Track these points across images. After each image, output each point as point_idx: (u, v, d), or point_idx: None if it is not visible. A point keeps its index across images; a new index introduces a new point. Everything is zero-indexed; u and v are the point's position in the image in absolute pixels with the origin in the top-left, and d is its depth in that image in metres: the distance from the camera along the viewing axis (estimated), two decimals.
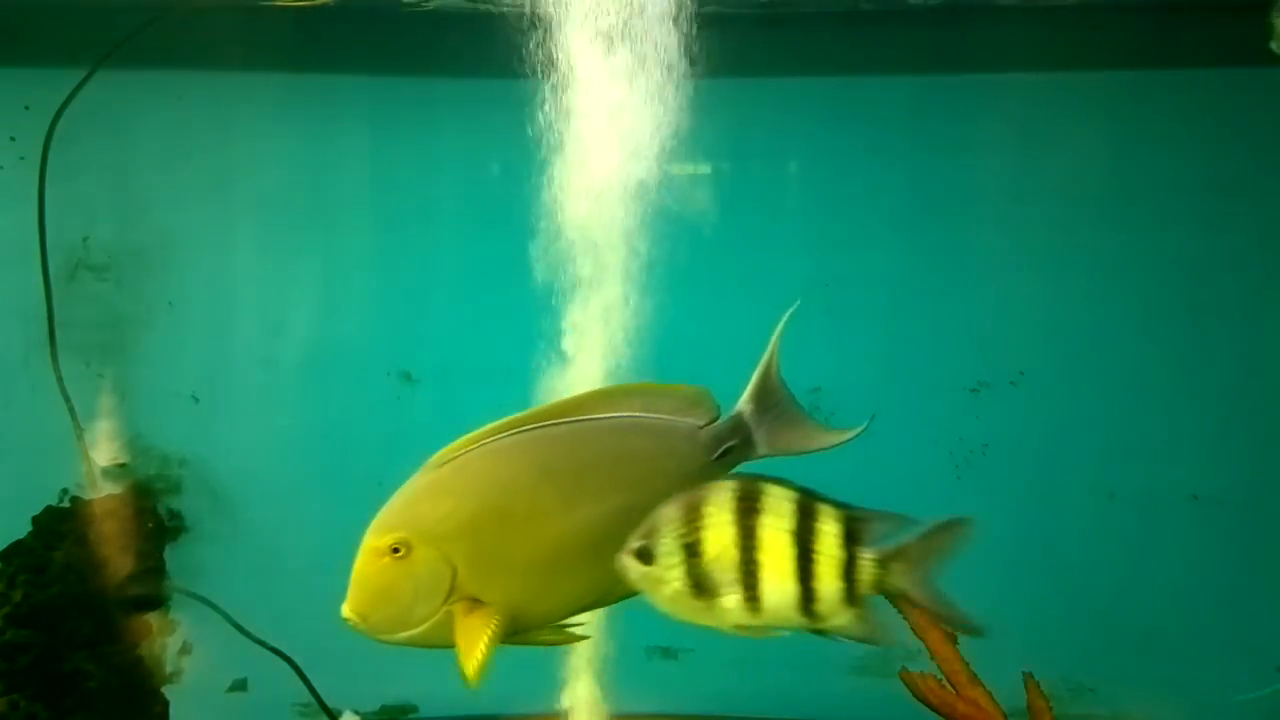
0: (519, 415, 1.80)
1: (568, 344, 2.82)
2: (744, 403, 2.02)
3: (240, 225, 3.47)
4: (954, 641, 1.93)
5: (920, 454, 3.56)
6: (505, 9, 2.52)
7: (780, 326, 2.08)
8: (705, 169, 3.58)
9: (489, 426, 1.80)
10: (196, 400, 3.47)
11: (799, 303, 2.08)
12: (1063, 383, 3.50)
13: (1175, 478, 3.46)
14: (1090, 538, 3.53)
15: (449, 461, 1.79)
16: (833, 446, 2.05)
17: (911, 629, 2.18)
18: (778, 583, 1.67)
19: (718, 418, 1.98)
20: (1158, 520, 3.49)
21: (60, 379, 3.17)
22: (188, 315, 3.45)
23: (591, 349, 2.79)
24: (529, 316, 2.75)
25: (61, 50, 3.19)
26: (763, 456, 1.99)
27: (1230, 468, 3.44)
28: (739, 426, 1.99)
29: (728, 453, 1.95)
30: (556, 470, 1.79)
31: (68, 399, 3.16)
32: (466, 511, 1.74)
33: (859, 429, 2.08)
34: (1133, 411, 3.48)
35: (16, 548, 2.83)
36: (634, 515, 1.67)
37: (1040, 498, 3.50)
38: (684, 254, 3.21)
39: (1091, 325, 3.49)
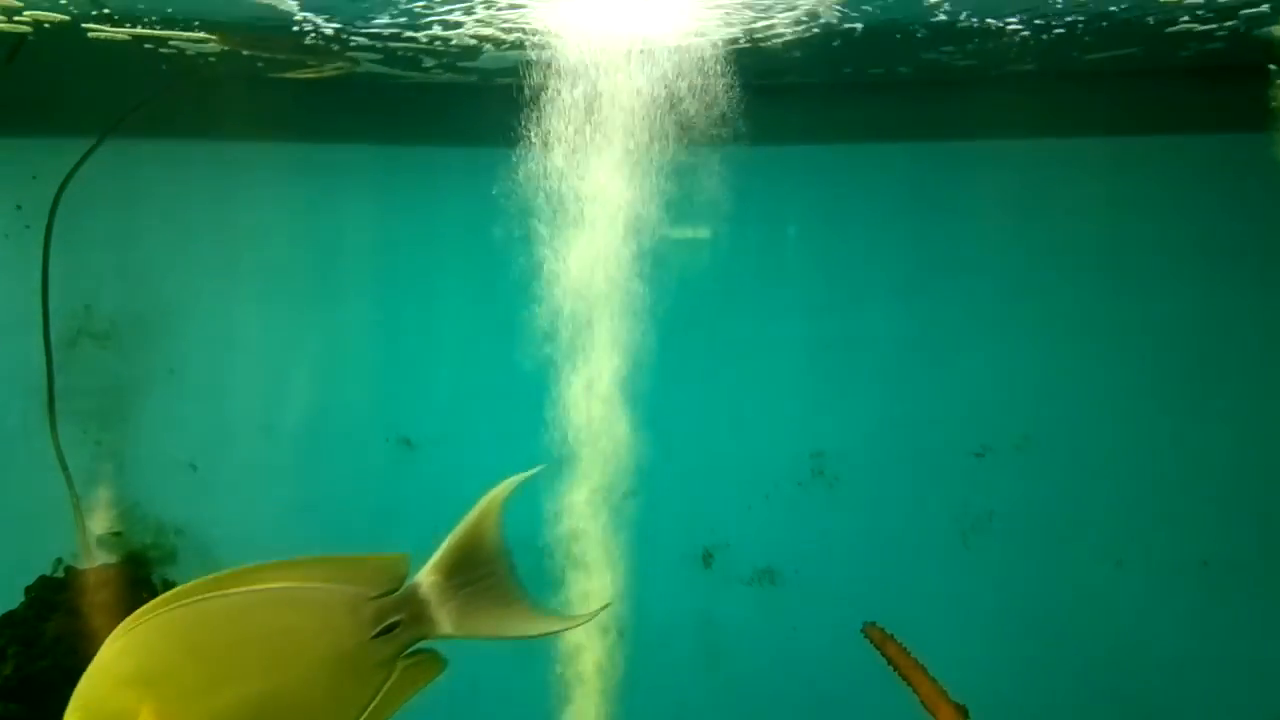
0: (190, 584, 1.71)
1: (567, 410, 2.80)
2: (426, 573, 1.81)
3: (242, 293, 3.49)
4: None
5: (927, 520, 3.53)
6: (503, 82, 2.55)
7: (500, 489, 1.88)
8: (705, 236, 3.61)
9: (165, 595, 1.70)
10: (194, 468, 3.45)
11: (538, 469, 1.96)
12: (1067, 447, 3.48)
13: (1185, 544, 3.41)
14: (1099, 606, 3.47)
15: (120, 637, 1.68)
16: (541, 636, 1.86)
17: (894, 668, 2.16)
18: None
19: (397, 589, 1.79)
20: (1168, 588, 3.44)
21: (58, 446, 3.15)
22: (188, 383, 3.44)
23: (591, 415, 2.77)
24: (528, 383, 2.74)
25: (69, 120, 3.23)
26: (449, 636, 1.80)
27: (1241, 533, 3.40)
28: (410, 600, 1.78)
29: (395, 628, 1.76)
30: (204, 649, 1.67)
31: (65, 467, 3.14)
32: (123, 696, 1.63)
33: (578, 620, 1.95)
34: (1139, 476, 3.45)
35: (8, 618, 2.80)
36: (282, 697, 1.62)
37: (1048, 565, 3.46)
38: (684, 320, 3.21)
39: (1095, 389, 3.48)
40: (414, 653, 1.79)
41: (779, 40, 2.67)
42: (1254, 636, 3.39)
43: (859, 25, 2.54)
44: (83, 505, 3.16)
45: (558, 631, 1.89)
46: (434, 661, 1.81)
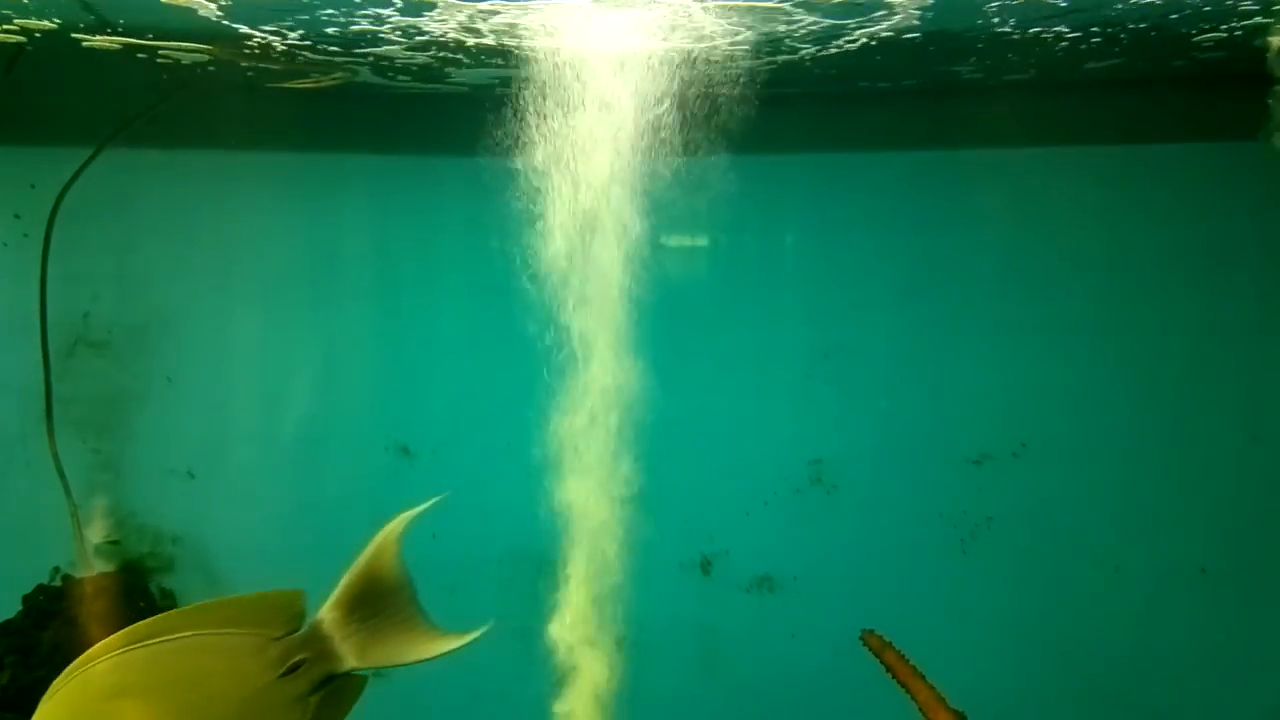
0: (106, 640, 1.76)
1: (566, 418, 2.80)
2: (327, 610, 1.87)
3: (239, 302, 3.49)
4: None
5: (924, 527, 3.53)
6: (499, 90, 2.56)
7: (394, 525, 1.97)
8: (704, 243, 3.62)
9: (86, 654, 1.77)
10: (192, 476, 3.44)
11: (427, 505, 2.05)
12: (1065, 454, 3.48)
13: (1183, 550, 3.41)
14: (1097, 612, 3.47)
15: (46, 700, 1.75)
16: (441, 655, 1.94)
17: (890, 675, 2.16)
18: None
19: (299, 628, 1.84)
20: (1166, 594, 3.44)
21: (56, 455, 3.15)
22: (185, 391, 3.44)
23: (590, 423, 2.77)
24: (527, 391, 2.74)
25: (67, 129, 3.24)
26: (355, 670, 1.85)
27: (1239, 539, 3.40)
28: (313, 638, 1.84)
29: (300, 667, 1.81)
30: (123, 703, 1.72)
31: (62, 475, 3.14)
32: None
33: (470, 635, 1.99)
34: (1137, 483, 3.45)
35: (5, 628, 2.80)
36: None
37: (1046, 571, 3.46)
38: (682, 327, 3.22)
39: (1092, 396, 3.48)
40: (329, 680, 1.84)
41: (785, 53, 2.68)
42: (1252, 642, 3.39)
43: (869, 39, 2.55)
44: (80, 514, 3.16)
45: (454, 649, 1.93)
46: (351, 685, 1.86)
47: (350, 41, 2.50)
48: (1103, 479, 3.46)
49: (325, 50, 2.57)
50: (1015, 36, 2.55)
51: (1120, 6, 2.33)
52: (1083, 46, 2.66)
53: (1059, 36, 2.54)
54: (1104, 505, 3.46)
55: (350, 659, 1.84)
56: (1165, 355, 3.44)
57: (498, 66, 2.66)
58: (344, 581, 1.91)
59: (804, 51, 2.66)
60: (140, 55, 2.55)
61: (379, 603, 1.92)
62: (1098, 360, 3.46)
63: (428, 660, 1.90)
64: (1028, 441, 3.49)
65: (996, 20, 2.39)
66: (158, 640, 1.75)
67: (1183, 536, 3.42)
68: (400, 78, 2.90)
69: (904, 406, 3.55)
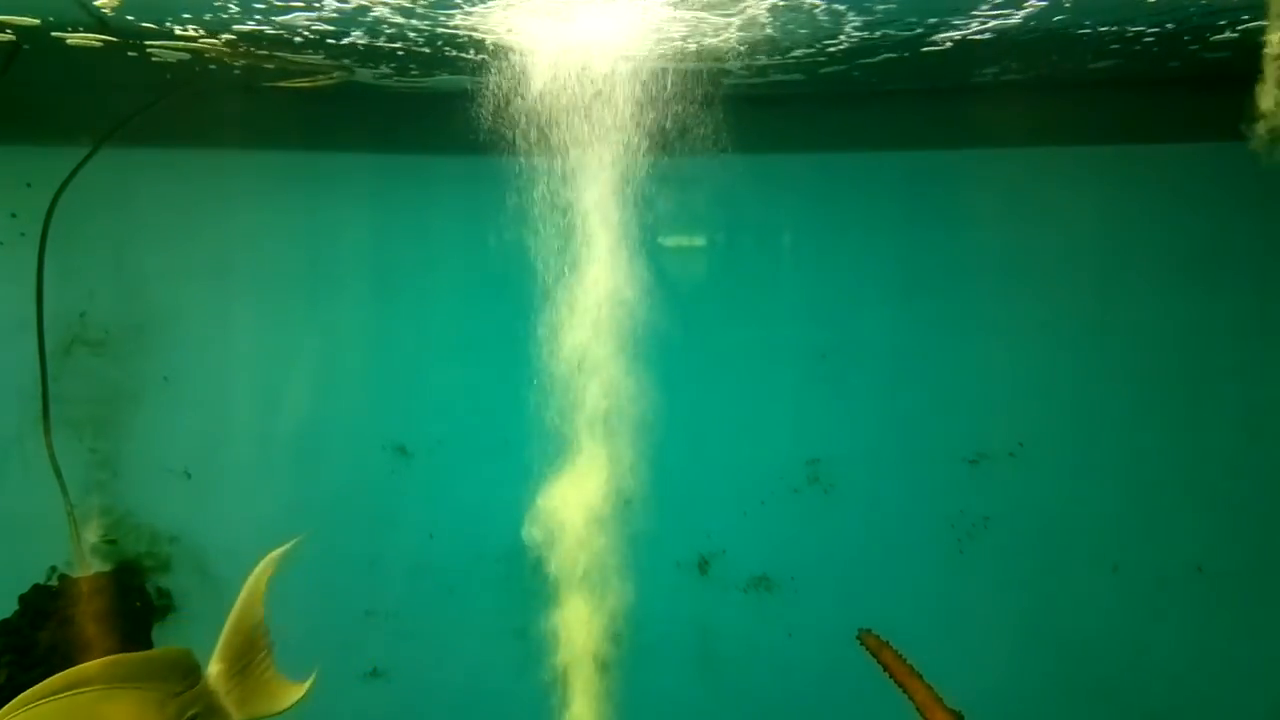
0: (21, 695, 1.76)
1: (563, 418, 2.80)
2: (212, 663, 1.92)
3: (236, 301, 3.48)
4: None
5: (922, 527, 3.53)
6: (498, 88, 2.55)
7: (261, 569, 2.00)
8: (700, 244, 3.61)
9: (6, 707, 1.77)
10: (189, 476, 3.44)
11: (288, 545, 2.06)
12: (1062, 453, 3.49)
13: (1180, 549, 3.42)
14: (1094, 611, 3.48)
15: None
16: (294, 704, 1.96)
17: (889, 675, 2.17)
18: None
19: (197, 683, 1.88)
20: (1163, 593, 3.44)
21: (52, 454, 3.15)
22: (183, 390, 3.44)
23: (587, 422, 2.77)
24: (525, 390, 2.74)
25: (64, 128, 3.23)
26: None
27: (1237, 538, 3.40)
28: (203, 694, 1.87)
29: None
30: None
31: (59, 474, 3.13)
32: None
33: (307, 683, 2.01)
34: (1134, 482, 3.45)
35: (2, 627, 2.79)
36: None
37: (1044, 571, 3.47)
38: (679, 327, 3.21)
39: (1089, 395, 3.48)
40: None
41: (780, 54, 2.68)
42: (1250, 641, 3.40)
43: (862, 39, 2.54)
44: (77, 513, 3.15)
45: (302, 697, 1.96)
46: None
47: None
48: (1100, 478, 3.47)
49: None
50: (1025, 39, 2.56)
51: (1123, 9, 2.34)
52: (1083, 47, 2.66)
53: (1065, 37, 2.55)
54: (1101, 505, 3.47)
55: (234, 712, 1.90)
56: (1164, 354, 3.45)
57: (486, 64, 2.65)
58: (223, 634, 1.94)
59: (797, 52, 2.66)
60: (131, 54, 2.55)
61: (248, 655, 1.97)
62: (1095, 360, 3.47)
63: (285, 710, 1.94)
64: (1025, 441, 3.49)
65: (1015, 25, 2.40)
66: (67, 694, 1.77)
67: (1180, 536, 3.43)
68: (394, 76, 2.90)
69: (901, 406, 3.55)
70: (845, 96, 3.24)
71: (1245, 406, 3.42)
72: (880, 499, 3.55)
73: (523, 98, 2.50)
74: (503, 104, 2.53)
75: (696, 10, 2.27)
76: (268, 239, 3.48)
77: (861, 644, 2.38)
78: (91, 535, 3.16)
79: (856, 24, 2.40)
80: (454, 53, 2.65)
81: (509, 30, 2.44)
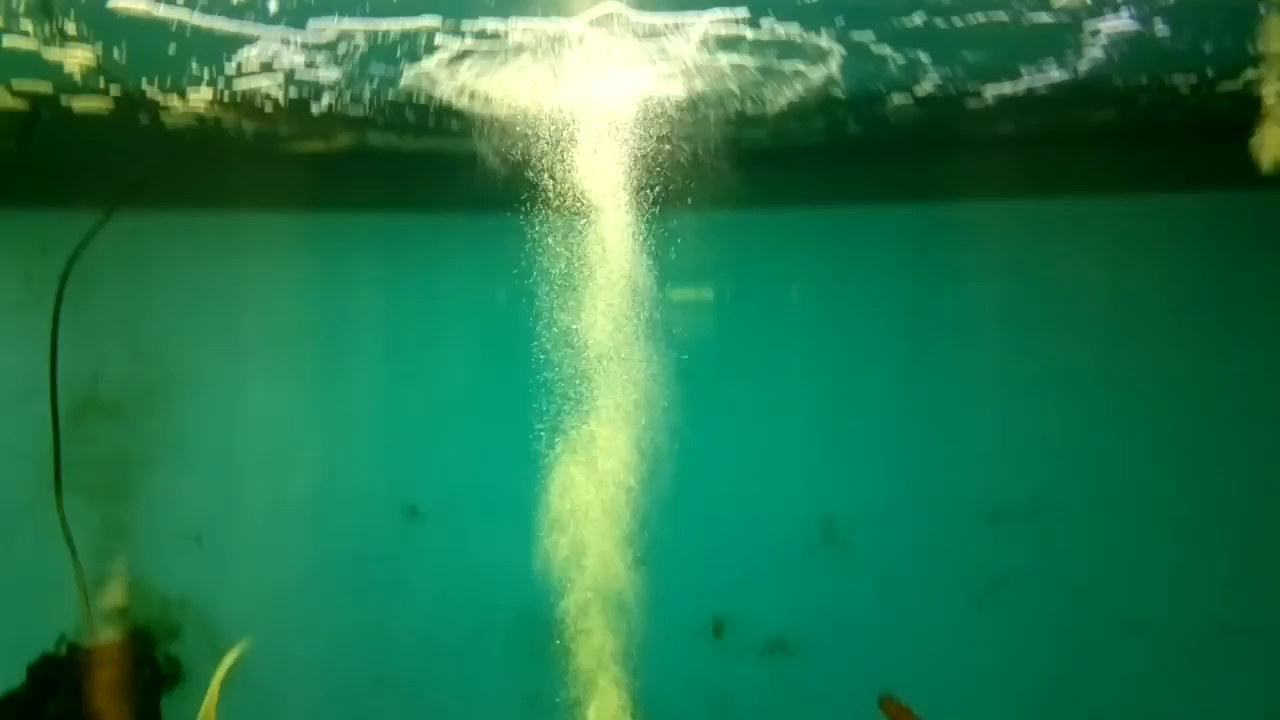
0: None
1: (574, 473, 2.78)
2: None
3: (249, 363, 3.49)
4: None
5: (940, 585, 3.48)
6: (504, 151, 2.58)
7: (220, 671, 2.01)
8: (708, 299, 3.61)
9: None
10: (199, 542, 3.43)
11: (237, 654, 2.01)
12: (1079, 508, 3.44)
13: (1203, 608, 3.35)
14: (1115, 672, 3.41)
15: None
16: None
17: None
18: None
19: None
20: (1185, 653, 3.37)
21: (64, 521, 3.14)
22: (194, 454, 3.43)
23: (597, 483, 2.75)
24: (535, 451, 2.72)
25: (80, 193, 3.26)
26: None
27: (1259, 595, 3.34)
28: None
29: None
30: None
31: (70, 541, 3.12)
32: None
33: None
34: (1153, 537, 3.40)
35: (11, 699, 2.76)
36: None
37: (1064, 631, 3.40)
38: (690, 382, 3.20)
39: (1104, 448, 3.45)
40: None
41: (781, 107, 2.70)
42: (1276, 704, 3.31)
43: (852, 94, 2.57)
44: (87, 580, 3.13)
45: None
46: None
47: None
48: (1119, 534, 3.42)
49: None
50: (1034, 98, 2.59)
51: (1126, 66, 2.36)
52: (1080, 100, 2.68)
53: (1067, 92, 2.57)
54: (1120, 561, 3.41)
55: None
56: (1177, 405, 3.41)
57: (491, 127, 2.68)
58: None
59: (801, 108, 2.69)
60: (143, 118, 2.59)
61: None
62: (1109, 412, 3.44)
63: None
64: (1041, 496, 3.45)
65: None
66: None
67: (1203, 593, 3.36)
68: (406, 137, 2.93)
69: (915, 460, 3.53)
70: (849, 151, 3.25)
71: (1264, 458, 3.38)
72: (897, 557, 3.51)
73: (528, 158, 2.52)
74: (508, 165, 2.56)
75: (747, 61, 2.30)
76: (280, 301, 3.50)
77: (882, 709, 2.34)
78: (101, 603, 3.14)
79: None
80: (455, 119, 2.70)
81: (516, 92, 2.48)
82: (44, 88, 2.40)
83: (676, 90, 2.54)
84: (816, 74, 2.42)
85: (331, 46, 2.20)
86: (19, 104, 2.52)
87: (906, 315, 3.54)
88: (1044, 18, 2.07)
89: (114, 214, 3.18)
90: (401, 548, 3.52)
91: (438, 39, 2.18)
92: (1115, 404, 3.43)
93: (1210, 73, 2.48)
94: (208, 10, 2.01)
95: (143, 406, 3.39)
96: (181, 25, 2.04)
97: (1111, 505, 3.42)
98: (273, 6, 2.01)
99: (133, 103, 2.49)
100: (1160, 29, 2.16)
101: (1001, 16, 2.07)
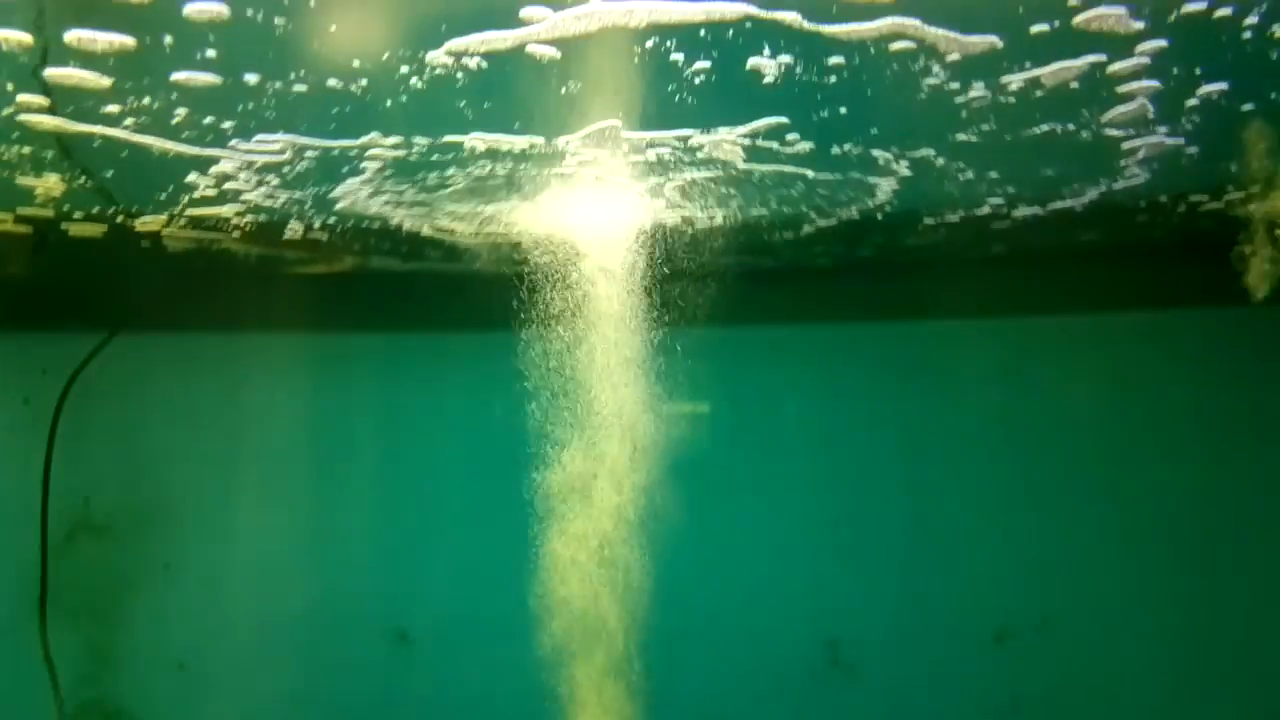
0: None
1: (570, 593, 2.72)
2: None
3: (241, 484, 3.46)
4: None
5: (949, 711, 3.36)
6: (504, 270, 2.62)
7: None
8: (708, 415, 3.60)
9: None
10: (182, 668, 3.33)
11: None
12: (1088, 627, 3.35)
13: None
14: None
15: None
16: None
17: None
18: None
19: None
20: None
21: (46, 646, 3.07)
22: (183, 577, 3.38)
23: (595, 602, 2.69)
24: (528, 575, 2.68)
25: (82, 315, 3.31)
26: None
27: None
28: None
29: None
30: None
31: (52, 669, 3.05)
32: None
33: None
34: (1167, 654, 3.30)
35: None
36: None
37: None
38: (691, 499, 3.16)
39: (1111, 565, 3.38)
40: None
41: (774, 227, 2.75)
42: None
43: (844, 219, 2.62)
44: (67, 709, 3.04)
45: None
46: None
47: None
48: (1129, 650, 3.32)
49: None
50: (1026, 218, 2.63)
51: (1118, 188, 2.41)
52: (1069, 220, 2.73)
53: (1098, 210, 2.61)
54: (1132, 678, 3.30)
55: None
56: (1187, 522, 3.36)
57: (493, 250, 2.73)
58: None
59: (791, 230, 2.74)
60: (144, 244, 2.64)
61: None
62: (1115, 528, 3.38)
63: None
64: (1049, 615, 3.36)
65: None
66: None
67: (1223, 715, 3.24)
68: (407, 260, 2.98)
69: (920, 580, 3.46)
70: (846, 269, 3.30)
71: (1274, 569, 3.31)
72: (905, 681, 3.40)
73: (527, 277, 2.56)
74: (507, 282, 2.59)
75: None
76: (274, 423, 3.50)
77: None
78: None
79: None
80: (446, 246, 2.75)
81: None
82: (45, 213, 2.45)
83: (668, 214, 2.60)
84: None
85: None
86: (23, 229, 2.58)
87: (908, 433, 3.53)
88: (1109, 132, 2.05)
89: (115, 335, 3.21)
90: (391, 674, 3.42)
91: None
92: (1122, 518, 3.38)
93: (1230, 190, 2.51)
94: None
95: (133, 528, 3.36)
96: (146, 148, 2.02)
97: (1121, 622, 3.34)
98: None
99: (114, 228, 2.55)
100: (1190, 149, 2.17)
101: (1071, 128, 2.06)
